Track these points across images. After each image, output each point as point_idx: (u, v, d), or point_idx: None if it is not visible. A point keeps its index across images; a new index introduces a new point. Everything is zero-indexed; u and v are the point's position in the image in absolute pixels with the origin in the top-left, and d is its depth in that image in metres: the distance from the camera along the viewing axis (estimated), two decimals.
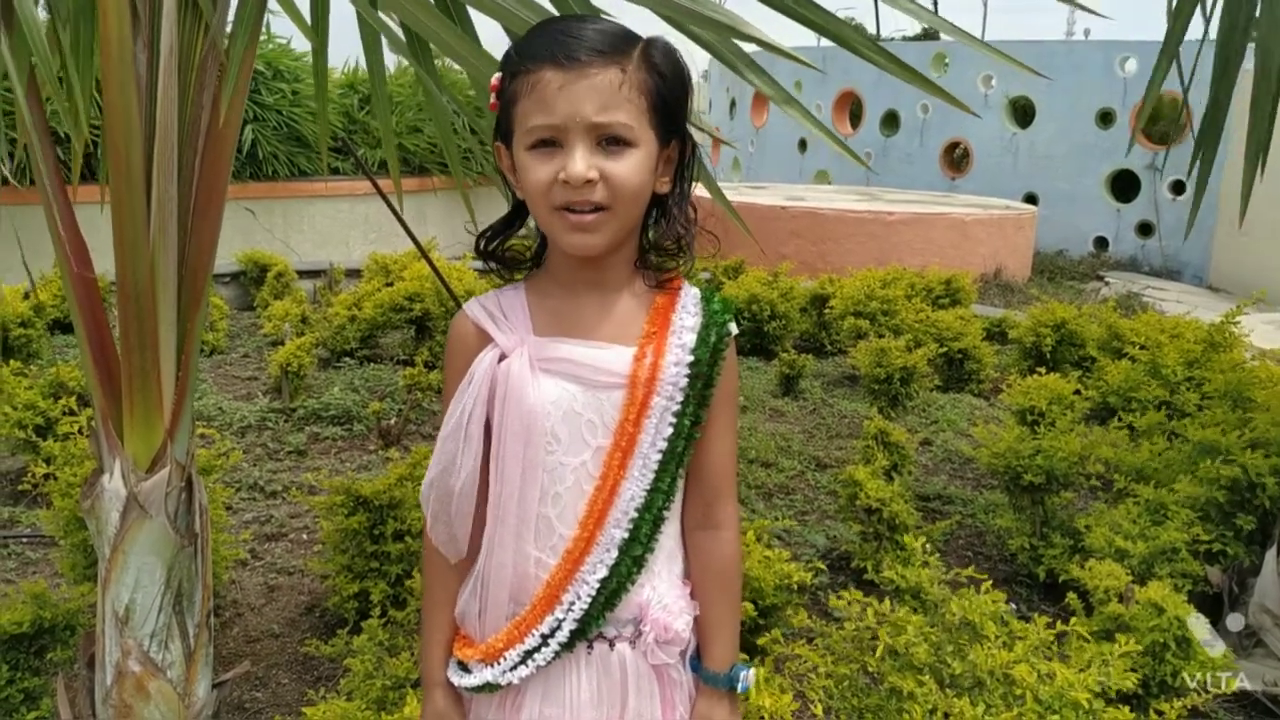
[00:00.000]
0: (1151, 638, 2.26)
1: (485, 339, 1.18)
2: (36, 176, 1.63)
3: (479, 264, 7.20)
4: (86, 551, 2.56)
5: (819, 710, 1.95)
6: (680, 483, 1.20)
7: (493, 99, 1.15)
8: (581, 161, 1.07)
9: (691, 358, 1.15)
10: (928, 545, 2.30)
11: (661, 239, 1.20)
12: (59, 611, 2.15)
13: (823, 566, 2.86)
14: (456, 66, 1.82)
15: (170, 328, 1.61)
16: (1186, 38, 2.48)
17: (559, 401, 1.15)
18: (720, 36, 1.62)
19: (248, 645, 2.74)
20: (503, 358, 1.16)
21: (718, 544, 1.23)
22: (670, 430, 1.16)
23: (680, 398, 1.15)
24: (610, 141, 1.08)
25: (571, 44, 1.07)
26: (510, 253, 1.23)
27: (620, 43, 1.09)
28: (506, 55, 1.14)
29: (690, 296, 1.20)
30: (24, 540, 3.32)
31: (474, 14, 1.80)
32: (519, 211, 1.21)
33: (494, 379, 1.15)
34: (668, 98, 1.12)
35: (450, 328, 1.23)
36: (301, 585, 3.08)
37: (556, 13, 1.60)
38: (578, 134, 1.07)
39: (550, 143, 1.09)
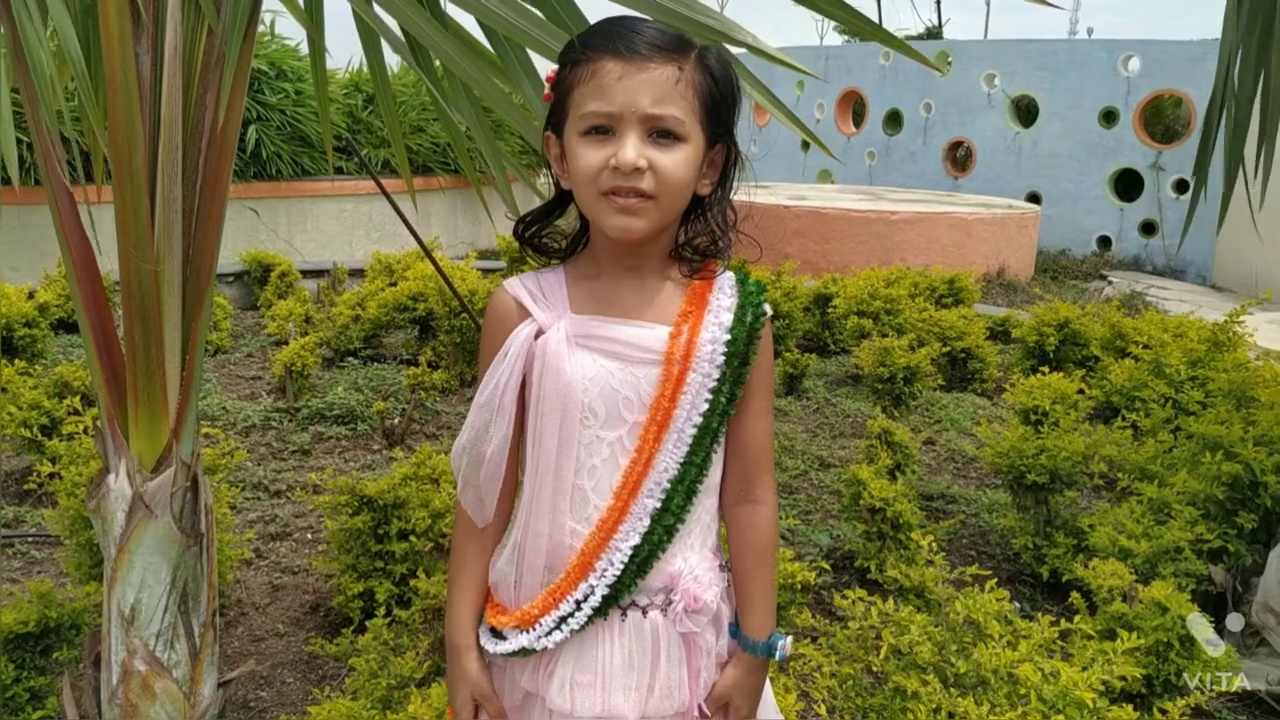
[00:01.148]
0: (1155, 637, 2.26)
1: (524, 315, 1.22)
2: (42, 177, 1.63)
3: (482, 264, 7.16)
4: (92, 551, 2.56)
5: (823, 710, 1.95)
6: (715, 458, 1.23)
7: (547, 90, 1.20)
8: (633, 150, 1.11)
9: (729, 336, 1.19)
10: (933, 544, 2.30)
11: (694, 238, 1.24)
12: (64, 611, 2.15)
13: (826, 566, 2.86)
14: None
15: (175, 327, 1.61)
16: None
17: (596, 377, 1.18)
18: (712, 40, 1.61)
19: (253, 644, 2.74)
20: (540, 334, 1.20)
21: (757, 518, 1.27)
22: (706, 406, 1.19)
23: (717, 375, 1.19)
24: (661, 134, 1.13)
25: (634, 38, 1.12)
26: (546, 241, 1.27)
27: (679, 43, 1.14)
28: (567, 46, 1.19)
29: (726, 279, 1.24)
30: (29, 540, 3.32)
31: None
32: (561, 201, 1.25)
33: (531, 353, 1.19)
34: (719, 100, 1.17)
35: (489, 302, 1.27)
36: (306, 585, 3.08)
37: (539, 13, 1.61)
38: (631, 123, 1.11)
39: (603, 130, 1.13)
